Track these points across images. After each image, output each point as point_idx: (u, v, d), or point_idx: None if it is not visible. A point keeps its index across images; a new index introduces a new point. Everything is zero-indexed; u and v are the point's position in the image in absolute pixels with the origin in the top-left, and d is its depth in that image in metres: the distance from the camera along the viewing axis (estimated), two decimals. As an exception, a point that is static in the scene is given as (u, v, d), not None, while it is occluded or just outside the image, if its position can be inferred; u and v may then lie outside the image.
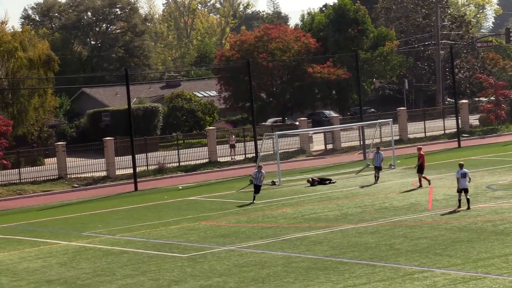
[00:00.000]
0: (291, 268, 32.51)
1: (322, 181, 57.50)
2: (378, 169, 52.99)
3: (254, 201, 49.40)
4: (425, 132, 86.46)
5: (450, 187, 51.56)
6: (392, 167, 61.91)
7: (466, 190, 41.92)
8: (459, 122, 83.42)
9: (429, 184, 51.99)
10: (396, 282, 29.18)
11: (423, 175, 52.27)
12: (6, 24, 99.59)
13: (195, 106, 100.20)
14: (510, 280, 28.36)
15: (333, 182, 57.03)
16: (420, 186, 52.05)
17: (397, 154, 65.98)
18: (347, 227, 40.65)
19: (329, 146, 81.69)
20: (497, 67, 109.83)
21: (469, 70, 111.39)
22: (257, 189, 49.80)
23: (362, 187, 53.75)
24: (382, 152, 46.76)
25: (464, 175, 41.70)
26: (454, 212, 41.27)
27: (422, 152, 53.51)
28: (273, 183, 58.60)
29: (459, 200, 42.12)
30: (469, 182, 42.61)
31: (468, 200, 42.05)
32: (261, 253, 36.02)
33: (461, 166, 42.31)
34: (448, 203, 45.71)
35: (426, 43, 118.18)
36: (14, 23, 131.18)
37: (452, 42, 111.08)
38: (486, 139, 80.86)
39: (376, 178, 54.81)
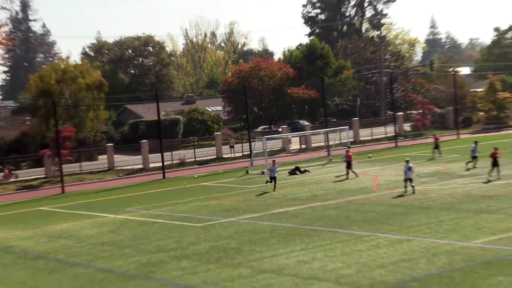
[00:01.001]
0: (275, 234, 32.69)
1: (299, 170, 57.48)
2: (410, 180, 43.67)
3: (275, 190, 47.82)
4: (372, 135, 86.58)
5: (390, 175, 51.68)
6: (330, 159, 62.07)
7: (411, 180, 41.65)
8: (397, 128, 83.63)
9: (347, 178, 51.64)
10: (351, 243, 29.39)
11: (352, 170, 52.16)
12: (69, 58, 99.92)
13: (206, 117, 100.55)
14: (432, 241, 28.59)
15: (309, 172, 57.06)
16: (346, 177, 51.87)
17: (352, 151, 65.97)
18: (316, 204, 40.76)
19: (303, 146, 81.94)
20: (424, 89, 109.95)
21: (404, 91, 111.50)
22: (272, 179, 48.25)
23: (337, 176, 53.33)
24: (411, 165, 42.80)
25: (409, 168, 41.42)
26: (401, 196, 41.11)
27: (350, 153, 53.48)
28: (262, 172, 58.40)
29: (405, 187, 41.86)
30: (412, 174, 42.20)
31: (413, 186, 41.70)
32: (254, 223, 36.17)
33: (407, 161, 41.97)
34: (388, 186, 45.76)
35: (373, 71, 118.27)
36: (76, 58, 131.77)
37: (391, 71, 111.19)
38: (416, 141, 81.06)
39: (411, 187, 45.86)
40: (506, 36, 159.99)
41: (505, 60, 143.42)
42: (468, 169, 50.78)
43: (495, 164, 44.75)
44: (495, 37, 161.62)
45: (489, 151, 47.17)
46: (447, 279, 23.03)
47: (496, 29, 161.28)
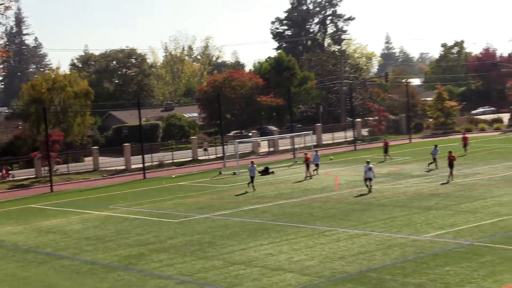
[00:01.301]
0: (245, 229, 32.63)
1: (267, 171, 57.41)
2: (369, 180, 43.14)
3: (254, 189, 46.70)
4: (333, 140, 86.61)
5: (349, 175, 51.79)
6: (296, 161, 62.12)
7: (370, 179, 41.44)
8: (355, 133, 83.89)
9: (310, 178, 51.54)
10: (314, 237, 29.40)
11: (309, 170, 52.07)
12: (59, 69, 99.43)
13: (183, 123, 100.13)
14: (386, 235, 28.65)
15: (274, 173, 56.91)
16: (310, 177, 51.78)
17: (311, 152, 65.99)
18: (282, 202, 40.72)
19: (271, 149, 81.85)
20: (380, 98, 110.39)
21: (362, 100, 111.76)
22: (252, 178, 47.01)
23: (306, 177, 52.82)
24: (372, 166, 42.84)
25: (370, 169, 41.25)
26: (361, 194, 41.11)
27: (308, 156, 53.57)
28: (234, 173, 58.34)
29: (367, 185, 41.66)
30: (374, 175, 42.08)
31: (371, 186, 41.55)
32: (226, 219, 36.05)
33: (368, 162, 41.92)
34: (348, 186, 45.82)
35: (334, 82, 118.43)
36: (65, 69, 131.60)
37: (351, 81, 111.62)
38: (372, 144, 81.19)
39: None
40: (452, 51, 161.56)
41: (451, 72, 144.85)
42: (429, 170, 50.53)
43: (450, 166, 44.36)
44: (442, 52, 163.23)
45: (444, 154, 47.66)
46: (400, 269, 23.08)
47: (443, 45, 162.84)
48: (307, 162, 52.88)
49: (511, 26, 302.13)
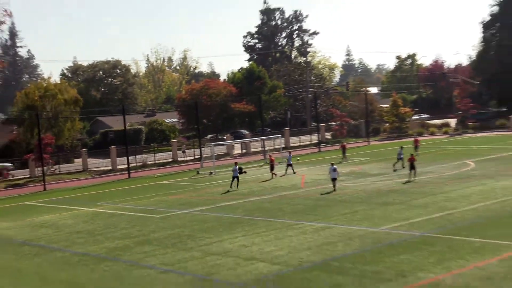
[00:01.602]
0: (221, 223, 32.63)
1: (240, 171, 57.33)
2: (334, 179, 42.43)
3: (238, 187, 45.71)
4: (300, 142, 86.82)
5: (315, 175, 51.92)
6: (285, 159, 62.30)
7: (335, 179, 41.01)
8: (319, 136, 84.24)
9: (273, 177, 51.08)
10: (283, 230, 29.46)
11: (273, 172, 51.72)
12: (50, 78, 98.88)
13: (164, 127, 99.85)
14: (348, 227, 28.77)
15: (246, 172, 56.89)
16: (274, 175, 51.45)
17: (282, 155, 66.17)
18: (254, 199, 40.74)
19: (244, 151, 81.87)
20: (341, 105, 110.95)
21: (325, 106, 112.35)
22: (234, 178, 45.91)
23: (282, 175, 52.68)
24: (336, 167, 42.31)
25: (334, 170, 40.82)
26: (328, 193, 41.22)
27: (272, 158, 53.68)
28: (210, 173, 58.29)
29: (333, 185, 41.06)
30: (338, 174, 41.70)
31: (335, 185, 41.05)
32: (204, 214, 36.03)
33: (332, 164, 41.74)
34: (313, 184, 45.91)
35: (300, 90, 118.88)
36: (56, 78, 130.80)
37: (315, 90, 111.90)
38: (335, 147, 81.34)
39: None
40: (406, 62, 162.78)
41: (405, 82, 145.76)
42: (395, 170, 49.84)
43: (412, 167, 43.97)
44: (397, 63, 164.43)
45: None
46: (359, 258, 23.26)
47: (398, 57, 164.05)
48: (271, 163, 52.79)
49: (457, 41, 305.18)
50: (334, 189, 40.84)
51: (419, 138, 71.07)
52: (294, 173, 53.05)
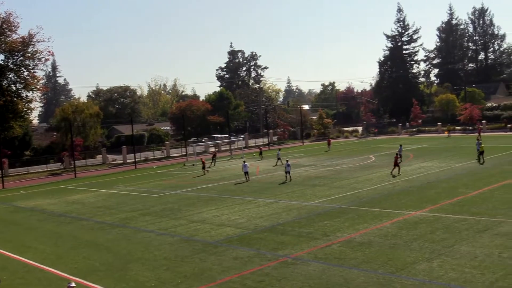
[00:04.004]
0: (200, 200, 32.35)
1: (214, 159, 56.83)
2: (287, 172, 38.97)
3: (248, 180, 39.77)
4: (255, 143, 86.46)
5: (266, 166, 51.75)
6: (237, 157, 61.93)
7: (288, 172, 38.47)
8: (269, 139, 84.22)
9: (205, 174, 46.91)
10: (243, 204, 29.29)
11: (204, 169, 47.93)
12: (80, 98, 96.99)
13: (160, 133, 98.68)
14: (289, 202, 28.72)
15: (194, 165, 56.33)
16: (205, 173, 47.36)
17: (243, 152, 65.98)
18: (224, 183, 40.47)
19: (216, 149, 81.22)
20: (284, 117, 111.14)
21: (273, 118, 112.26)
22: (246, 173, 39.84)
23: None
24: (290, 163, 39.58)
25: (288, 165, 38.60)
26: (283, 183, 41.15)
27: (203, 160, 50.07)
28: (193, 165, 57.73)
29: (287, 176, 38.40)
30: (290, 168, 38.86)
31: (290, 176, 38.25)
32: (189, 193, 35.68)
33: (287, 160, 39.88)
34: (265, 172, 45.69)
35: (256, 107, 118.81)
36: (84, 98, 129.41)
37: (266, 107, 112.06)
38: (280, 146, 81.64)
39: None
40: (328, 88, 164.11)
41: (327, 101, 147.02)
42: (400, 161, 41.40)
43: (396, 164, 37.46)
44: (322, 89, 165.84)
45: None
46: (297, 223, 23.24)
47: (322, 84, 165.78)
48: (203, 164, 48.58)
49: (362, 73, 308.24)
50: (290, 179, 38.01)
51: (331, 140, 72.64)
52: (275, 165, 50.22)
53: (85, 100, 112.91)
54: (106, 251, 21.15)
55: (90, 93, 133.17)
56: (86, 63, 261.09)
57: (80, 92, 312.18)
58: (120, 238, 23.40)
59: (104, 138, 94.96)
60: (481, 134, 66.62)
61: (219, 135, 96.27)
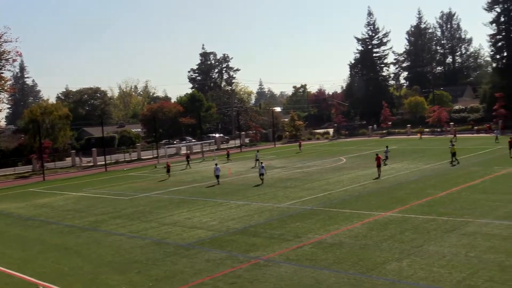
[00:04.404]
0: (172, 203, 32.13)
1: (188, 161, 56.47)
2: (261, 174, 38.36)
3: (219, 183, 39.08)
4: (227, 145, 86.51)
5: (238, 168, 51.75)
6: (214, 159, 61.88)
7: (262, 174, 37.80)
8: (241, 141, 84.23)
9: (168, 177, 45.86)
10: (215, 207, 29.20)
11: (168, 173, 46.93)
12: (48, 100, 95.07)
13: (131, 135, 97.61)
14: (260, 204, 28.73)
15: (190, 167, 56.13)
16: (169, 177, 46.27)
17: (214, 154, 65.74)
18: (195, 185, 40.31)
19: (188, 151, 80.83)
20: (256, 119, 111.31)
21: (245, 120, 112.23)
22: (217, 177, 39.21)
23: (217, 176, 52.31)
24: (264, 165, 39.34)
25: (262, 167, 38.22)
26: (257, 185, 41.10)
27: (169, 164, 49.37)
28: (165, 167, 57.37)
29: (261, 178, 38.01)
30: (265, 171, 38.49)
31: (263, 179, 37.88)
32: (160, 196, 35.40)
33: (261, 162, 40.15)
34: (237, 174, 45.69)
35: (228, 109, 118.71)
36: (52, 100, 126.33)
37: (238, 109, 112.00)
38: (252, 148, 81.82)
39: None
40: (300, 90, 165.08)
41: (299, 103, 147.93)
42: (386, 164, 42.66)
43: (378, 165, 36.80)
44: (294, 91, 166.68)
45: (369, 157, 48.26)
46: (268, 225, 23.29)
47: (294, 87, 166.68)
48: (168, 167, 47.50)
49: (333, 76, 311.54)
50: (262, 182, 37.67)
51: (301, 141, 73.45)
52: (253, 166, 50.01)
53: (54, 101, 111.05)
54: (75, 255, 20.80)
55: (59, 95, 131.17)
56: (55, 64, 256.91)
57: (49, 93, 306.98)
58: (90, 241, 23.04)
59: (74, 140, 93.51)
60: (454, 135, 67.98)
61: (190, 138, 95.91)
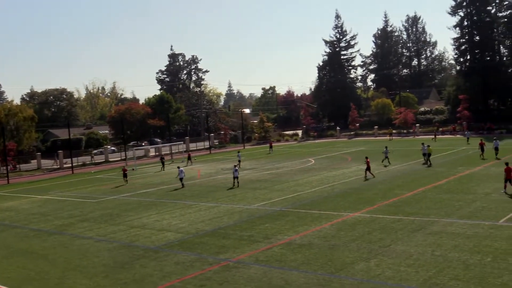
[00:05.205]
0: (141, 205, 31.80)
1: (163, 162, 55.59)
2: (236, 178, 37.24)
3: (184, 186, 38.42)
4: (196, 147, 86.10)
5: (207, 169, 51.52)
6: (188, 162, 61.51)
7: (237, 178, 36.81)
8: (210, 143, 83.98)
9: (125, 184, 43.45)
10: (184, 209, 29.07)
11: (125, 179, 44.09)
12: (13, 101, 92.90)
13: (99, 137, 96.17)
14: (230, 206, 28.72)
15: (134, 169, 55.61)
16: (125, 183, 43.69)
17: (190, 155, 65.37)
18: (164, 187, 40.01)
19: (157, 153, 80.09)
20: (225, 121, 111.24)
21: (214, 122, 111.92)
22: (181, 179, 38.68)
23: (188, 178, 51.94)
24: (237, 168, 38.74)
25: (236, 170, 37.12)
26: (231, 188, 40.94)
27: (125, 168, 46.58)
28: (133, 169, 56.70)
29: (235, 182, 37.05)
30: (238, 173, 37.17)
31: (238, 182, 36.90)
32: (128, 198, 34.98)
33: (235, 166, 38.98)
34: (206, 176, 45.55)
35: (197, 110, 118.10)
36: (17, 101, 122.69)
37: (207, 110, 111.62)
38: (221, 150, 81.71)
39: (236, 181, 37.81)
40: (268, 92, 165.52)
41: (268, 105, 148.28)
42: (385, 166, 42.30)
43: (368, 168, 36.39)
44: (263, 93, 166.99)
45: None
46: (238, 227, 23.30)
47: (263, 88, 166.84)
48: (124, 172, 44.83)
49: (302, 77, 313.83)
50: (237, 185, 36.67)
51: (272, 143, 73.68)
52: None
53: (19, 102, 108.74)
54: (42, 259, 20.39)
55: (24, 96, 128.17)
56: (20, 65, 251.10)
57: (13, 94, 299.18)
58: (56, 245, 22.61)
59: (39, 143, 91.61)
60: (416, 137, 69.26)
61: (158, 140, 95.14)
